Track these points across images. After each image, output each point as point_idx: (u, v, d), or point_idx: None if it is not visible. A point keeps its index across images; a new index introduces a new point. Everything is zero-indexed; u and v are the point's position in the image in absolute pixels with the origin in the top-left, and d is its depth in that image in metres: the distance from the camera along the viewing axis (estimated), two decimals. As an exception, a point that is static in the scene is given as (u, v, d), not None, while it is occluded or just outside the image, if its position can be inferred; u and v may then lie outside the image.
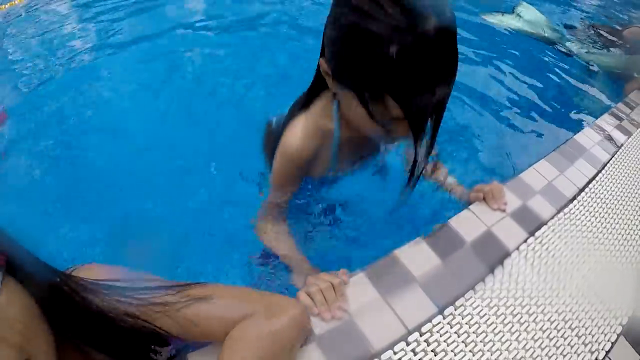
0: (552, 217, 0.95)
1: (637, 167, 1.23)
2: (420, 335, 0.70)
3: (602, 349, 0.77)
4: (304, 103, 0.79)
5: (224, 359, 0.53)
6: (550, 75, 2.03)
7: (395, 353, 0.67)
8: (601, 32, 2.64)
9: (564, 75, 2.05)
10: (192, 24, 2.35)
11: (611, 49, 2.44)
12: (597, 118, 1.44)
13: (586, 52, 2.31)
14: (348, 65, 0.60)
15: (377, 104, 0.60)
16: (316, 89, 0.77)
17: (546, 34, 2.46)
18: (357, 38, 0.56)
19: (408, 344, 0.69)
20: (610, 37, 2.53)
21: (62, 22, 2.50)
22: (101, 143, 1.50)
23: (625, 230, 1.00)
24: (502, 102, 1.77)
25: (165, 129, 1.57)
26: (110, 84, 1.86)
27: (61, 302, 0.49)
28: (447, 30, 0.54)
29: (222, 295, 0.59)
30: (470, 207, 0.92)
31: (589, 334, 0.78)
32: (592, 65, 2.22)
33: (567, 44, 2.38)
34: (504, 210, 0.92)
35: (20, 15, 2.82)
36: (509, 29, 2.53)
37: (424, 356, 0.68)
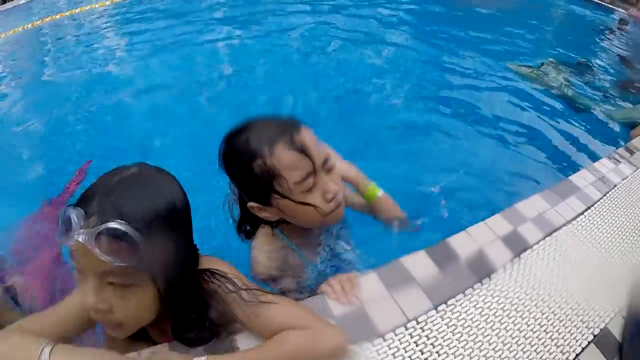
0: (538, 242, 1.13)
1: (627, 205, 1.38)
2: (417, 324, 0.90)
3: (573, 352, 0.93)
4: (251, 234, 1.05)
5: (258, 350, 0.74)
6: (560, 124, 2.21)
7: (396, 335, 0.87)
8: (623, 86, 2.83)
9: (573, 125, 2.23)
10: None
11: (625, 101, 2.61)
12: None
13: (600, 107, 2.49)
14: (258, 184, 0.88)
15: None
16: (252, 226, 1.05)
17: (565, 91, 2.66)
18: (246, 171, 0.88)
19: (407, 329, 0.88)
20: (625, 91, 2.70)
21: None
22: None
23: (608, 258, 1.15)
24: (511, 143, 1.97)
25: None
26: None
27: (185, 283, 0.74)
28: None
29: (288, 306, 0.79)
30: (467, 229, 1.12)
31: (561, 337, 0.94)
32: (605, 118, 2.39)
33: (583, 100, 2.57)
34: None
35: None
36: (529, 81, 2.75)
37: (418, 340, 0.87)
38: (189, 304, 0.78)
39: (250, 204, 0.94)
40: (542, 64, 2.90)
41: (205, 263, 0.81)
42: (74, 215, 0.62)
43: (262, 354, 0.73)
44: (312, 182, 0.89)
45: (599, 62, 3.30)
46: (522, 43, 3.65)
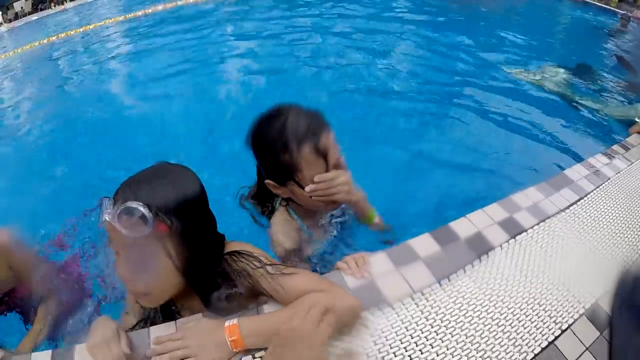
0: (532, 227, 1.24)
1: (619, 196, 1.48)
2: (422, 295, 1.01)
3: (565, 322, 1.02)
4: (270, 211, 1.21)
5: (285, 309, 0.86)
6: (557, 122, 2.32)
7: (403, 304, 0.98)
8: (620, 86, 2.93)
9: (570, 123, 2.34)
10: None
11: (622, 101, 2.71)
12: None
13: (599, 106, 2.60)
14: (280, 170, 1.05)
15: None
16: (270, 202, 1.21)
17: (565, 91, 2.77)
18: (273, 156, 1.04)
19: (413, 299, 0.99)
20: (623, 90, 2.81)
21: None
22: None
23: (599, 243, 1.25)
24: (512, 141, 2.09)
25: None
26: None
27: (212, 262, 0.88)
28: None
29: (308, 275, 0.91)
30: (467, 215, 1.23)
31: (554, 309, 1.04)
32: (603, 116, 2.50)
33: (582, 100, 2.68)
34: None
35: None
36: (529, 82, 2.87)
37: (423, 308, 0.98)
38: (216, 280, 0.90)
39: (268, 181, 1.10)
40: (540, 66, 3.03)
41: (234, 246, 0.94)
42: (105, 202, 0.80)
43: (288, 313, 0.85)
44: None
45: (598, 63, 3.41)
46: (522, 46, 3.78)
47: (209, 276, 0.90)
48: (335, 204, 1.15)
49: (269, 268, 0.89)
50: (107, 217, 0.78)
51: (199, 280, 0.90)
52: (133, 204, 0.76)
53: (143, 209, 0.77)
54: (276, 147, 1.02)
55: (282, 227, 1.14)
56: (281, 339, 0.75)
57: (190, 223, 0.85)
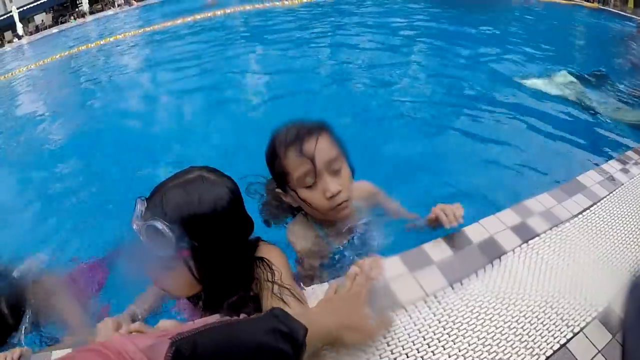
0: (545, 232, 1.25)
1: (633, 201, 1.48)
2: (435, 298, 1.03)
3: (577, 325, 1.04)
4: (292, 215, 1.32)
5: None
6: (570, 128, 2.32)
7: (416, 307, 1.01)
8: (636, 92, 2.91)
9: (586, 129, 2.34)
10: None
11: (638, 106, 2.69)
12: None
13: (613, 111, 2.59)
14: (277, 177, 1.16)
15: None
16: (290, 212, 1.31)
17: (578, 97, 2.77)
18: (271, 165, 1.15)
19: (426, 302, 1.02)
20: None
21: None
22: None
23: (612, 247, 1.26)
24: (519, 148, 2.10)
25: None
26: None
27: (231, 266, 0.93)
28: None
29: (299, 309, 0.90)
30: (479, 221, 1.26)
31: (566, 312, 1.05)
32: (617, 122, 2.48)
33: (596, 105, 2.67)
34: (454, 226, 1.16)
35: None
36: (541, 89, 2.88)
37: (436, 310, 1.01)
38: (236, 283, 0.95)
39: (277, 189, 1.20)
40: (554, 73, 3.03)
41: (265, 251, 1.00)
42: (139, 206, 0.86)
43: None
44: (313, 181, 1.10)
45: (613, 69, 3.39)
46: (535, 53, 3.78)
47: (227, 285, 0.95)
48: (343, 211, 1.16)
49: (275, 287, 0.92)
50: (136, 228, 0.84)
51: (217, 290, 0.95)
52: (158, 224, 0.82)
53: (167, 231, 0.82)
54: (272, 155, 1.14)
55: (298, 232, 1.22)
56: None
57: (215, 240, 0.89)
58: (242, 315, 0.72)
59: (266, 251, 0.99)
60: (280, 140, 1.12)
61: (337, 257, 1.24)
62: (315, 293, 1.06)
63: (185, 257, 0.87)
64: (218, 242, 0.90)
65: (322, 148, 1.10)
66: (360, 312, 0.89)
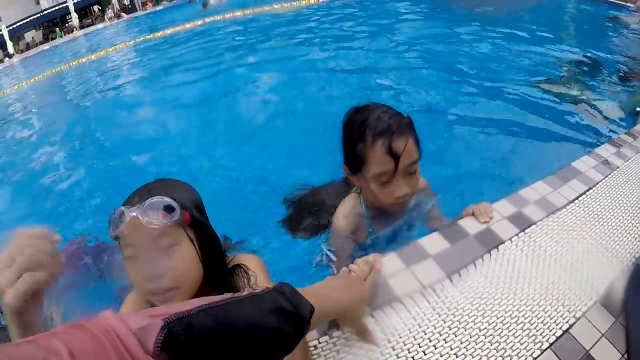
0: (541, 220, 1.24)
1: (629, 184, 1.47)
2: (433, 291, 1.02)
3: (579, 310, 1.03)
4: (344, 193, 1.33)
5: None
6: (569, 117, 2.32)
7: (414, 301, 1.00)
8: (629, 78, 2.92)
9: (581, 116, 2.33)
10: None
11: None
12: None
13: (606, 96, 2.59)
14: (353, 159, 1.15)
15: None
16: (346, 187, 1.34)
17: (573, 85, 2.76)
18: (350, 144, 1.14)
19: (424, 296, 1.01)
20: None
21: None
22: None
23: (611, 230, 1.25)
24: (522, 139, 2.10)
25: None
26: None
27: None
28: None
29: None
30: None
31: (567, 298, 1.04)
32: (615, 108, 2.48)
33: (589, 93, 2.67)
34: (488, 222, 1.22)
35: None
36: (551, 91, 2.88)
37: (435, 304, 1.00)
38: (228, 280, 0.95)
39: (344, 165, 1.21)
40: (550, 61, 3.02)
41: (242, 259, 1.01)
42: (123, 208, 0.84)
43: None
44: (389, 179, 1.12)
45: (609, 55, 3.38)
46: (531, 41, 3.78)
47: (223, 273, 0.96)
48: (400, 206, 1.21)
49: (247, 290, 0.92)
50: (133, 214, 0.82)
51: (216, 275, 0.95)
52: (158, 198, 0.83)
53: (169, 200, 0.84)
54: (355, 136, 1.12)
55: (346, 210, 1.26)
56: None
57: (204, 218, 0.94)
58: (247, 291, 0.67)
59: (243, 259, 1.00)
60: (371, 125, 1.10)
61: (371, 240, 1.29)
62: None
63: (188, 230, 0.88)
64: (207, 222, 0.95)
65: (408, 152, 1.10)
66: (363, 292, 0.92)
